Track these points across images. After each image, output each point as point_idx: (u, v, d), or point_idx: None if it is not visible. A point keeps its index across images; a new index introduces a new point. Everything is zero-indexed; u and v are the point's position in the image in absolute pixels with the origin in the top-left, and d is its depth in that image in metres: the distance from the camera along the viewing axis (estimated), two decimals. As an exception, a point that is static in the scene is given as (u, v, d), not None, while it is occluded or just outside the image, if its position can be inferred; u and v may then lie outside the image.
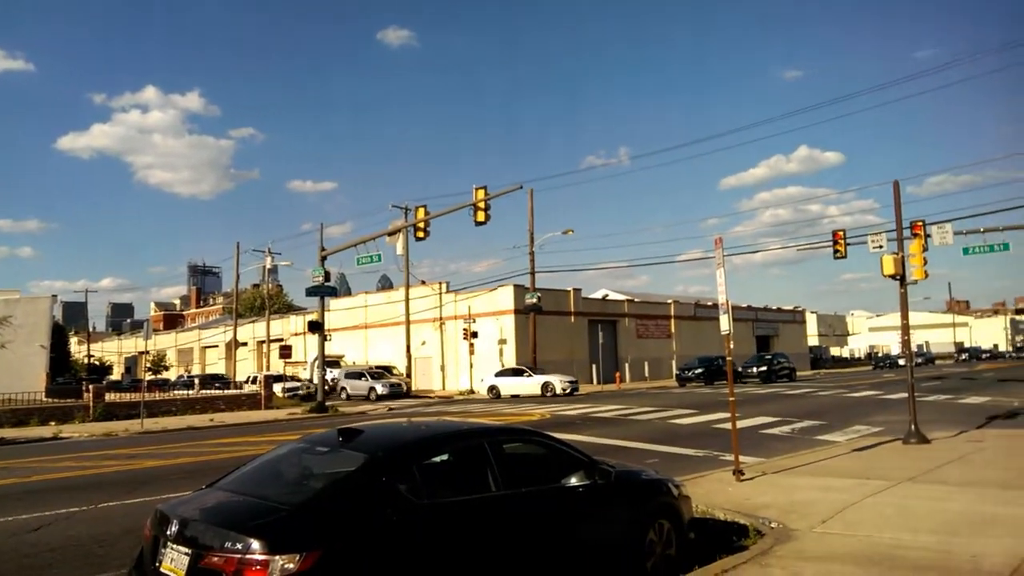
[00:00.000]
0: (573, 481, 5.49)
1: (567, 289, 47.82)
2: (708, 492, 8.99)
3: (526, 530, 5.07)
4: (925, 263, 14.29)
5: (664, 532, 6.09)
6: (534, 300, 39.31)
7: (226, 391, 34.65)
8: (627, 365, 49.66)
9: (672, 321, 56.29)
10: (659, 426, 18.26)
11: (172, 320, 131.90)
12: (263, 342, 58.22)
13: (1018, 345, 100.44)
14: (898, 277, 14.12)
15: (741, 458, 10.43)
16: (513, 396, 34.54)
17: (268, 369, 50.02)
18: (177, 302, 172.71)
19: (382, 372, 40.94)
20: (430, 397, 38.73)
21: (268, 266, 50.46)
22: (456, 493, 4.90)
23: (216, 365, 69.00)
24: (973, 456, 11.61)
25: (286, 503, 4.37)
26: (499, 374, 37.28)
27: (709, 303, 56.57)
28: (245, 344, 65.71)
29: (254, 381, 37.77)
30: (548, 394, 33.77)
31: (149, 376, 51.08)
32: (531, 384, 35.00)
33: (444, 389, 45.14)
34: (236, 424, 23.70)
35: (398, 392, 37.52)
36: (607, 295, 58.87)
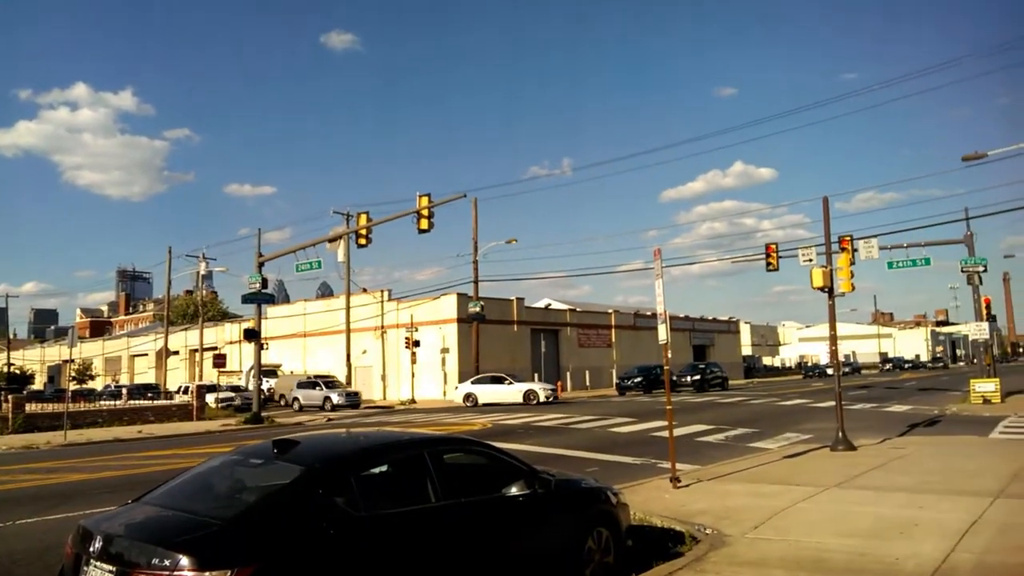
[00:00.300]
0: (513, 490, 5.49)
1: (510, 298, 47.98)
2: (646, 499, 9.13)
3: (466, 540, 5.05)
4: (852, 276, 14.89)
5: (603, 540, 6.15)
6: (477, 309, 39.29)
7: (156, 401, 33.43)
8: (568, 374, 50.08)
9: (613, 331, 57.07)
10: (599, 434, 18.46)
11: (99, 327, 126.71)
12: (196, 351, 56.42)
13: (936, 355, 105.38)
14: (827, 289, 14.67)
15: (678, 465, 10.63)
16: (491, 404, 33.28)
17: (201, 379, 48.48)
18: (105, 308, 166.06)
19: (337, 381, 39.69)
20: (371, 407, 38.20)
21: (202, 272, 49.01)
22: (395, 505, 4.84)
23: (146, 374, 66.50)
24: (896, 462, 12.13)
25: (217, 517, 4.24)
26: (476, 381, 35.95)
27: (648, 313, 57.61)
28: (177, 353, 63.56)
29: (186, 391, 36.54)
30: (532, 402, 33.00)
31: (74, 386, 48.84)
32: (512, 392, 33.93)
33: (385, 399, 44.59)
34: (166, 436, 22.88)
35: (355, 402, 36.20)
36: (550, 304, 59.32)
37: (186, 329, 66.37)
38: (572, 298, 73.61)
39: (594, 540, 6.05)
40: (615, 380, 47.58)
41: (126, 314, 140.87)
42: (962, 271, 29.73)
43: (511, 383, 34.86)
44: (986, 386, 26.18)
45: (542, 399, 33.41)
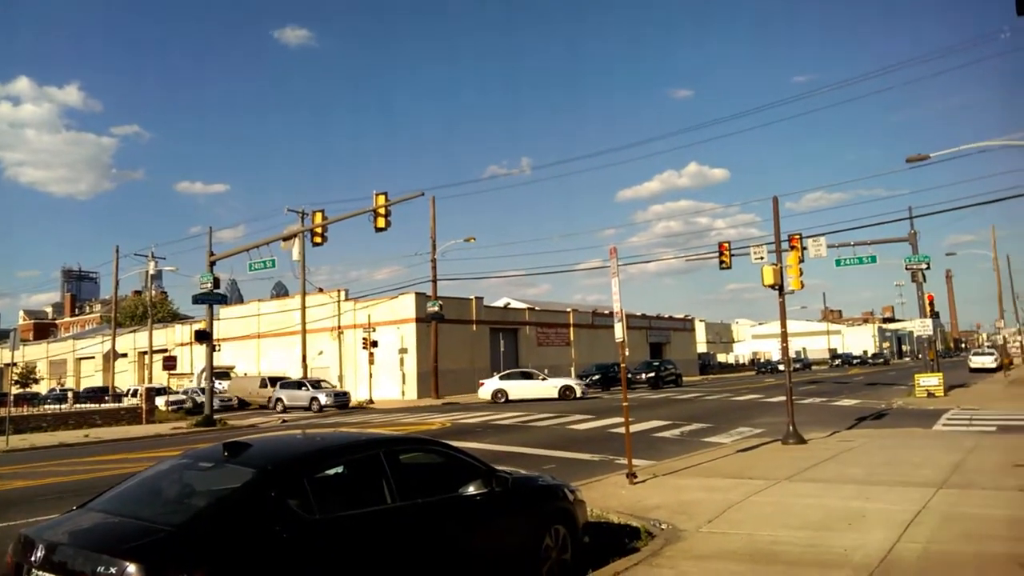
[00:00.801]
0: (471, 490, 5.48)
1: (469, 297, 47.89)
2: (603, 496, 9.22)
3: (423, 541, 5.02)
4: (801, 274, 15.25)
5: (559, 537, 6.18)
6: (436, 308, 39.11)
7: (103, 405, 32.42)
8: (527, 373, 50.16)
9: (571, 329, 57.43)
10: (557, 432, 18.55)
11: (43, 329, 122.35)
12: (145, 353, 54.94)
13: (878, 352, 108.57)
14: (777, 287, 15.01)
15: (634, 461, 10.75)
16: (521, 401, 32.27)
17: (151, 381, 47.24)
18: (49, 310, 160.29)
19: (325, 381, 38.28)
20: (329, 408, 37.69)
21: (151, 271, 47.71)
22: (350, 506, 4.79)
23: (93, 378, 64.49)
24: (845, 455, 12.47)
25: (166, 523, 4.14)
26: (504, 376, 34.93)
27: (606, 311, 58.12)
28: (125, 355, 61.81)
29: (135, 394, 35.53)
30: (569, 397, 32.28)
31: (16, 390, 47.07)
32: (545, 387, 32.90)
33: (342, 399, 44.03)
34: (114, 440, 22.23)
35: (344, 402, 34.91)
36: (509, 303, 59.39)
37: (135, 331, 64.57)
38: (531, 297, 73.84)
39: (551, 537, 6.08)
40: (574, 378, 47.88)
41: (72, 315, 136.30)
42: (906, 269, 30.71)
43: (544, 378, 33.95)
44: (930, 380, 27.10)
45: (578, 394, 32.95)
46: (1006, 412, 20.14)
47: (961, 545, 6.45)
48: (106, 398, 36.89)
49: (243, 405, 39.31)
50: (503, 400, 33.17)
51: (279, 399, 35.89)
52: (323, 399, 34.09)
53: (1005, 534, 6.76)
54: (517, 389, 33.60)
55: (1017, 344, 78.25)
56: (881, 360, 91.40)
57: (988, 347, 74.42)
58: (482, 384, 35.34)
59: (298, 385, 36.29)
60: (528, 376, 34.67)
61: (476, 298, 48.49)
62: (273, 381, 40.12)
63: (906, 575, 5.68)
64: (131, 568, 3.67)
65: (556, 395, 32.77)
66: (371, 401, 39.15)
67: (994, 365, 51.63)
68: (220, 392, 38.54)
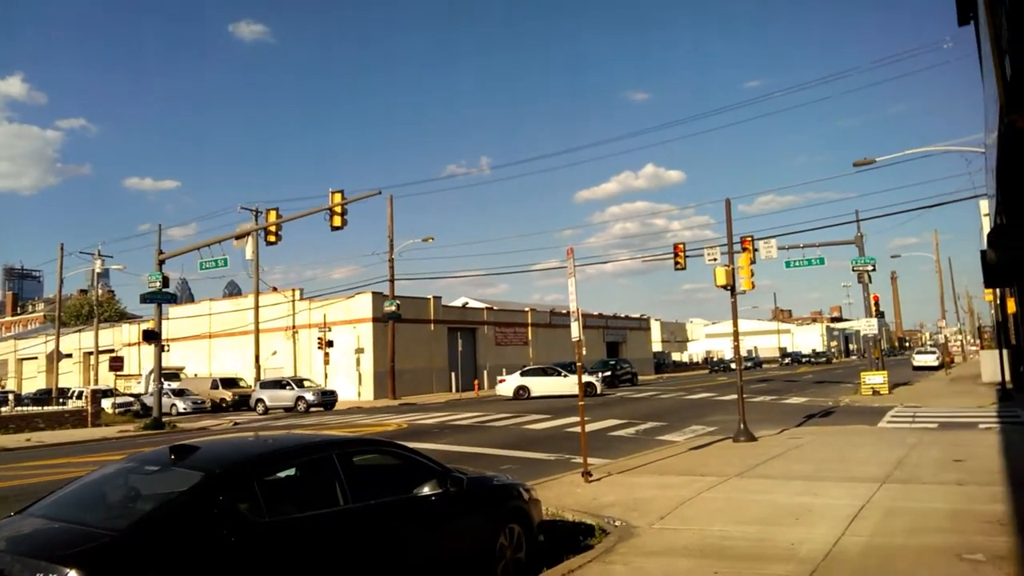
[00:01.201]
0: (426, 490, 5.46)
1: (427, 297, 47.64)
2: (559, 494, 9.28)
3: (378, 542, 4.99)
4: (752, 275, 15.60)
5: (514, 536, 6.21)
6: (393, 308, 38.80)
7: (46, 407, 31.33)
8: (485, 372, 50.15)
9: (529, 329, 57.60)
10: (515, 432, 18.60)
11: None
12: (91, 353, 53.28)
13: (827, 350, 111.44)
14: (729, 287, 15.31)
15: (590, 460, 10.85)
16: (544, 397, 31.98)
17: (96, 383, 45.83)
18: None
19: (309, 380, 36.94)
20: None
21: (97, 270, 46.23)
22: (302, 509, 4.73)
23: (36, 379, 62.23)
24: (793, 452, 12.78)
25: (109, 528, 4.03)
26: (526, 373, 34.52)
27: (564, 311, 58.41)
28: (70, 356, 59.79)
29: (80, 396, 34.42)
30: (591, 393, 31.95)
31: (-49, 393, 45.12)
32: (569, 384, 31.59)
33: (296, 400, 43.36)
34: (58, 444, 21.50)
35: (331, 401, 33.76)
36: (467, 303, 59.26)
37: (80, 331, 62.52)
38: (490, 297, 73.81)
39: (506, 537, 6.10)
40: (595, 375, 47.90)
41: (13, 315, 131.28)
42: (853, 270, 31.61)
43: (566, 375, 33.04)
44: (875, 378, 27.95)
45: (599, 391, 33.19)
46: (947, 409, 20.89)
47: (903, 538, 6.67)
48: (60, 401, 35.45)
49: (216, 408, 37.77)
50: (526, 396, 32.96)
51: (260, 399, 34.39)
52: (309, 397, 32.94)
53: (945, 527, 7.01)
54: (539, 386, 33.41)
55: (958, 343, 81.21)
56: (823, 359, 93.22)
57: (931, 346, 77.06)
58: (503, 380, 35.30)
59: (282, 384, 34.81)
60: (551, 372, 34.39)
61: (434, 298, 48.27)
62: (225, 382, 39.24)
63: (850, 568, 5.85)
64: (72, 574, 3.57)
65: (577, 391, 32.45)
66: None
67: (936, 363, 53.51)
68: (193, 395, 37.14)
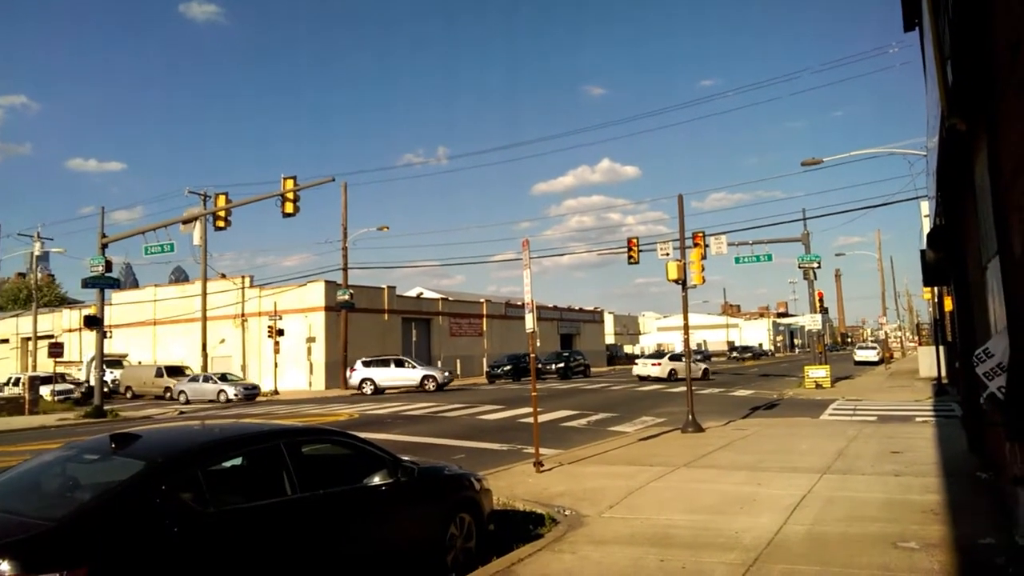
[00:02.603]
0: (376, 480, 5.43)
1: (381, 286, 47.19)
2: (510, 484, 9.32)
3: (326, 533, 4.93)
4: (703, 269, 15.87)
5: (465, 526, 6.21)
6: (346, 297, 38.33)
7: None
8: (440, 363, 49.96)
9: (484, 320, 57.59)
10: (468, 422, 18.59)
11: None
12: (29, 339, 51.33)
13: (776, 345, 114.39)
14: (680, 282, 15.55)
15: (542, 450, 10.92)
16: (388, 388, 33.16)
17: (35, 369, 44.16)
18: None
19: (232, 375, 36.48)
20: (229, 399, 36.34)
21: (37, 252, 44.49)
22: (247, 499, 4.65)
23: (-33, 365, 59.69)
24: (739, 443, 13.08)
25: (45, 517, 3.89)
26: (369, 363, 34.80)
27: (519, 303, 58.60)
28: (7, 341, 57.55)
29: (16, 383, 33.14)
30: (429, 387, 32.82)
31: None
32: (413, 375, 33.39)
33: (245, 389, 42.57)
34: (-9, 432, 20.67)
35: (253, 394, 33.45)
36: (422, 293, 58.90)
37: (18, 315, 60.14)
38: (446, 287, 73.71)
39: (456, 526, 6.10)
40: (485, 369, 48.09)
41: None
42: (799, 267, 32.48)
43: (414, 367, 34.08)
44: (818, 372, 28.78)
45: (440, 381, 33.33)
46: (886, 403, 21.64)
47: (842, 526, 6.89)
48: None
49: (135, 395, 37.00)
50: (372, 391, 33.48)
51: (182, 391, 34.00)
52: (231, 392, 32.64)
53: (882, 516, 7.27)
54: (384, 378, 33.95)
55: (898, 339, 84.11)
56: (753, 355, 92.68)
57: (872, 342, 79.68)
58: (351, 373, 35.30)
59: (205, 379, 34.46)
60: (398, 364, 34.86)
61: (388, 287, 47.85)
62: (170, 370, 38.24)
63: (791, 555, 6.02)
64: (4, 566, 3.44)
65: (418, 383, 33.43)
66: (276, 392, 38.06)
67: (877, 359, 55.38)
68: (112, 382, 36.21)
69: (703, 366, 39.36)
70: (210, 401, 32.61)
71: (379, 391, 33.47)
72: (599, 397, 26.36)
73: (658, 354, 42.20)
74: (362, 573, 5.21)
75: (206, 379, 34.42)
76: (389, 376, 34.06)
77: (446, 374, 34.70)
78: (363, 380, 34.20)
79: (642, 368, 37.53)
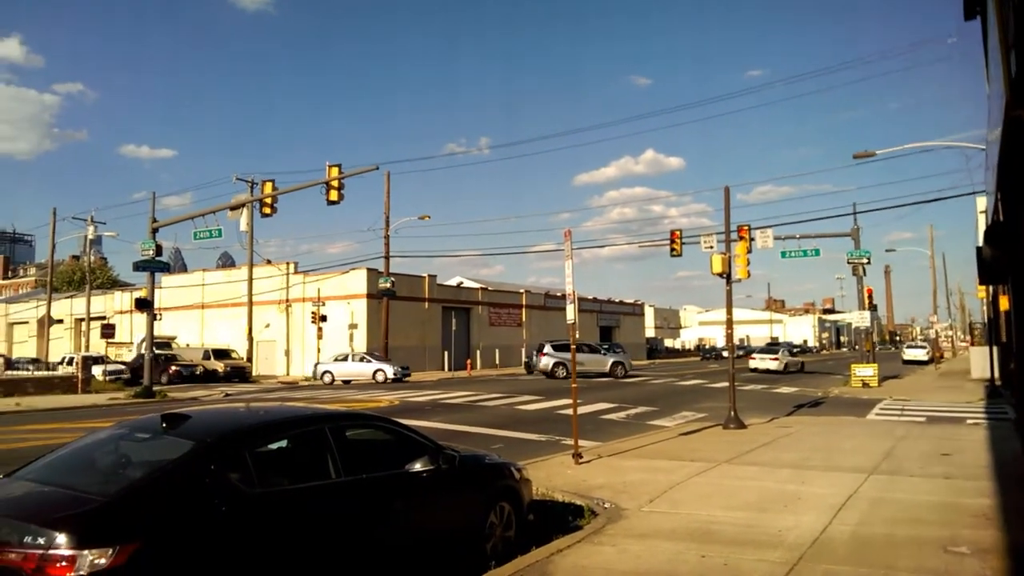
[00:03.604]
0: (417, 466, 5.46)
1: (422, 275, 47.55)
2: (549, 475, 9.31)
3: (368, 516, 4.99)
4: (748, 263, 15.58)
5: (504, 515, 6.23)
6: (387, 285, 38.72)
7: (36, 372, 31.25)
8: (479, 352, 50.27)
9: (524, 310, 57.64)
10: (506, 412, 18.65)
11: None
12: (82, 320, 53.11)
13: (822, 342, 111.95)
14: (725, 275, 15.30)
15: (580, 442, 10.89)
16: (347, 382, 34.44)
17: (87, 350, 45.67)
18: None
19: (378, 355, 37.52)
20: (272, 383, 37.13)
21: (90, 236, 45.92)
22: (293, 481, 4.72)
23: (26, 344, 62.01)
24: (782, 440, 12.86)
25: (99, 493, 4.01)
26: (339, 359, 36.48)
27: (558, 294, 58.47)
28: (61, 322, 59.54)
29: (70, 363, 34.32)
30: (380, 380, 33.87)
31: (-59, 355, 44.95)
32: (369, 369, 34.83)
33: (288, 375, 43.43)
34: (48, 409, 21.48)
35: (407, 374, 34.79)
36: (462, 283, 59.20)
37: (72, 296, 62.25)
38: (485, 277, 73.93)
39: (496, 515, 6.12)
40: (524, 359, 48.13)
41: (5, 278, 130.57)
42: (848, 263, 31.68)
43: (370, 361, 35.33)
44: (865, 371, 28.10)
45: (390, 376, 34.02)
46: (935, 403, 21.04)
47: (889, 528, 6.72)
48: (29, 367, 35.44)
49: (207, 378, 37.67)
50: (330, 382, 34.49)
51: (327, 372, 35.59)
52: (390, 372, 34.21)
53: (931, 519, 7.07)
54: (342, 372, 35.00)
55: (949, 339, 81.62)
56: (810, 351, 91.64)
57: (921, 340, 77.52)
58: (317, 365, 36.71)
59: (358, 359, 36.07)
60: (363, 360, 35.80)
61: (429, 276, 48.20)
62: (217, 353, 39.18)
63: (836, 555, 5.89)
64: (60, 539, 3.56)
65: (371, 376, 34.33)
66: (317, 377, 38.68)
67: (926, 358, 53.83)
68: (234, 358, 37.85)
69: (800, 360, 43.18)
70: (365, 382, 34.05)
71: (345, 382, 34.67)
72: (638, 391, 26.18)
73: (772, 348, 45.16)
74: (402, 557, 5.25)
75: (361, 359, 36.00)
76: (347, 370, 35.23)
77: (399, 368, 34.93)
78: (324, 372, 35.74)
79: (760, 362, 40.34)
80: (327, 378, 35.26)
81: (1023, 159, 7.71)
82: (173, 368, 35.39)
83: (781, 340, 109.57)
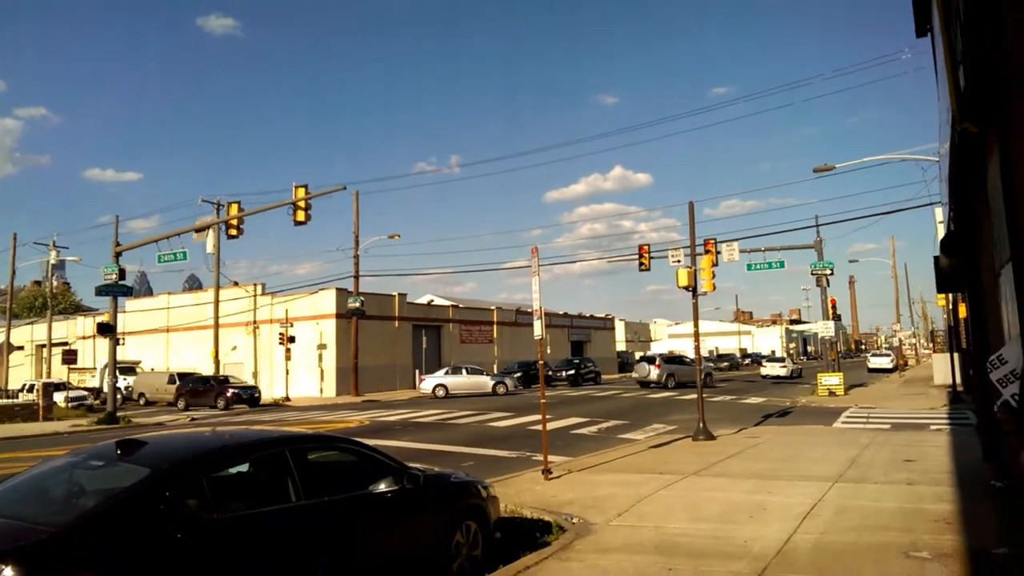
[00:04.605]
0: (381, 487, 5.40)
1: (392, 294, 47.29)
2: (518, 491, 9.28)
3: (331, 539, 4.91)
4: (714, 276, 15.80)
5: (471, 533, 6.18)
6: (357, 304, 38.44)
7: (-5, 401, 30.33)
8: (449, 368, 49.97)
9: (495, 327, 57.56)
10: (477, 429, 18.56)
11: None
12: (43, 346, 51.79)
13: (789, 352, 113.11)
14: (691, 288, 15.48)
15: (551, 457, 10.87)
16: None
17: (49, 376, 44.53)
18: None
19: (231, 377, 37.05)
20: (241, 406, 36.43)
21: (52, 261, 44.98)
22: (253, 506, 4.64)
23: (-17, 372, 60.23)
24: (750, 451, 12.97)
25: (50, 523, 3.90)
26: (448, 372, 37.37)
27: (529, 310, 58.42)
28: (21, 348, 57.96)
29: (31, 390, 33.41)
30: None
31: None
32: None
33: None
34: (6, 438, 20.81)
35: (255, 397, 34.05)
36: (432, 300, 58.99)
37: (32, 322, 60.72)
38: (457, 295, 73.68)
39: (462, 534, 6.07)
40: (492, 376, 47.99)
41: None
42: (812, 274, 32.25)
43: (485, 374, 36.94)
44: (831, 380, 28.54)
45: (510, 389, 35.52)
46: (900, 410, 21.42)
47: (853, 536, 6.80)
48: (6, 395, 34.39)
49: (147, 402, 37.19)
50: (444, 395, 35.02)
51: (440, 385, 35.53)
52: (510, 384, 35.82)
53: (894, 525, 7.17)
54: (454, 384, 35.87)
55: (912, 346, 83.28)
56: (731, 364, 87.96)
57: (886, 349, 78.91)
58: (423, 379, 37.59)
59: (470, 371, 36.86)
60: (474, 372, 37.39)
61: (399, 295, 47.95)
62: (182, 377, 38.41)
63: (800, 564, 5.95)
64: (7, 572, 3.44)
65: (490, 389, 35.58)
66: (287, 398, 38.19)
67: (891, 366, 54.85)
68: (125, 389, 36.71)
69: (799, 366, 50.92)
70: (482, 394, 34.57)
71: (458, 395, 34.95)
72: (610, 404, 26.25)
73: (782, 358, 53.26)
74: None
75: (473, 371, 36.97)
76: (461, 382, 36.14)
77: (515, 381, 36.68)
78: (436, 385, 36.03)
79: (769, 369, 48.64)
80: (440, 392, 35.00)
81: (972, 171, 7.96)
82: (231, 391, 33.38)
83: (750, 351, 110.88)
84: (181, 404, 34.02)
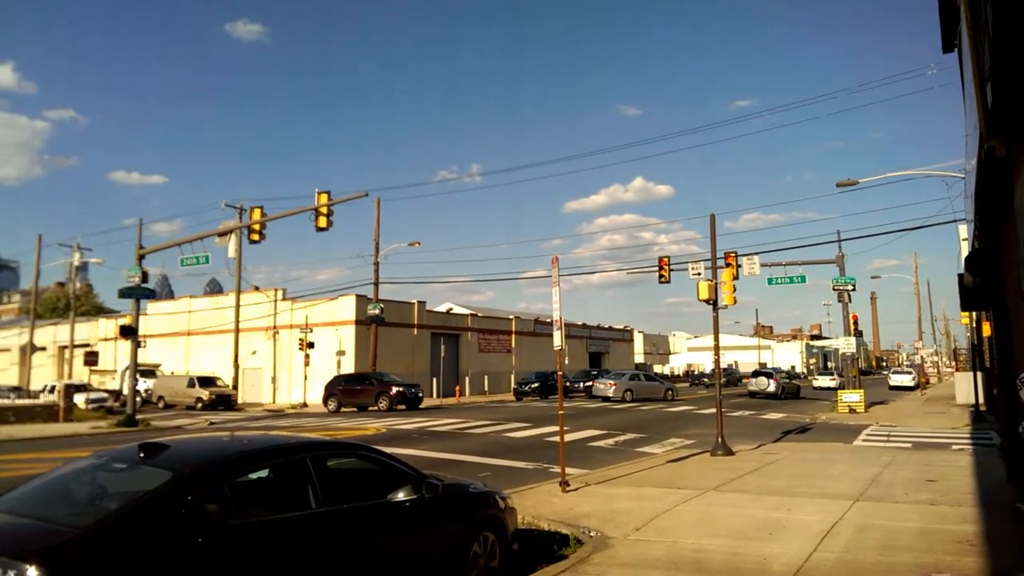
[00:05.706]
0: (400, 496, 5.42)
1: (411, 301, 47.47)
2: (535, 503, 9.24)
3: (349, 547, 4.93)
4: (735, 290, 15.68)
5: (488, 544, 6.17)
6: (376, 311, 38.60)
7: (16, 401, 30.80)
8: (468, 379, 50.05)
9: (513, 336, 57.55)
10: (494, 439, 18.53)
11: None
12: (66, 347, 52.54)
13: (809, 367, 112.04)
14: (711, 302, 15.39)
15: (568, 469, 10.83)
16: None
17: (71, 377, 45.13)
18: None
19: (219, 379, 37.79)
20: (258, 411, 36.75)
21: (76, 263, 45.69)
22: (272, 511, 4.67)
23: (8, 372, 61.17)
24: (769, 467, 12.83)
25: (73, 525, 3.95)
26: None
27: (548, 320, 58.43)
28: (44, 349, 58.90)
29: (52, 391, 33.87)
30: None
31: (-80, 383, 44.24)
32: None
33: (275, 402, 43.01)
34: (27, 439, 21.11)
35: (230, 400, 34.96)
36: (451, 308, 59.12)
37: (56, 324, 61.60)
38: (476, 303, 73.87)
39: (480, 545, 6.06)
40: (513, 385, 47.95)
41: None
42: (833, 289, 31.93)
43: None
44: (852, 397, 28.17)
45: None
46: (921, 429, 21.09)
47: (874, 555, 6.70)
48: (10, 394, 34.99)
49: (192, 407, 37.70)
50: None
51: (590, 385, 39.99)
52: (393, 391, 31.40)
53: (915, 545, 7.06)
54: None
55: (934, 364, 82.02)
56: (796, 378, 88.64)
57: (907, 366, 77.75)
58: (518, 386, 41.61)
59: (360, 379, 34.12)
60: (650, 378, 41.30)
61: (418, 302, 48.12)
62: (202, 380, 38.79)
63: (821, 584, 5.87)
64: (32, 571, 3.49)
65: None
66: (305, 404, 38.38)
67: (912, 384, 54.05)
68: (145, 391, 37.40)
69: (796, 384, 48.86)
70: (188, 407, 34.52)
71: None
72: (627, 417, 26.11)
73: (770, 372, 50.40)
74: None
75: (629, 376, 40.12)
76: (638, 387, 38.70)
77: (411, 388, 33.82)
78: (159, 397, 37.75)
79: (821, 381, 52.71)
80: (162, 404, 36.54)
81: (998, 188, 7.87)
82: (395, 390, 31.49)
83: (770, 366, 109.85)
84: (332, 405, 32.58)
